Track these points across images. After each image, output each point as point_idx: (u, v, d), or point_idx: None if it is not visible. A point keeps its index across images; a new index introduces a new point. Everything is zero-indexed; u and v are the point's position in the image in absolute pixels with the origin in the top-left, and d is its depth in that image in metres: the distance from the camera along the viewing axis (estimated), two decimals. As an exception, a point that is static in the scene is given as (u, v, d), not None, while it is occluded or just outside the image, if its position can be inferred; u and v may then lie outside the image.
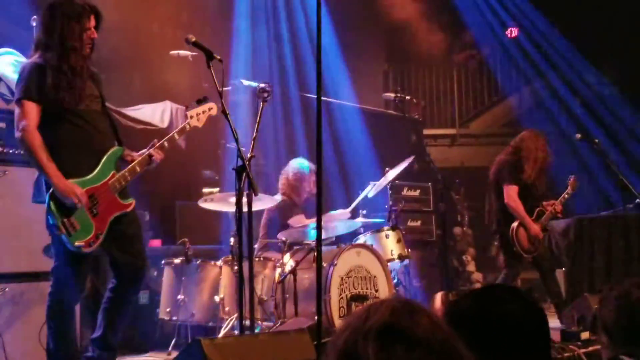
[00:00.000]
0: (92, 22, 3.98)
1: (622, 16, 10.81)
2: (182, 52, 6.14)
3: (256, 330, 4.87)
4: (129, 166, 4.05)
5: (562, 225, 6.80)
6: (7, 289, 4.49)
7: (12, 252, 4.53)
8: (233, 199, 4.24)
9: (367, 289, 5.42)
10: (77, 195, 3.77)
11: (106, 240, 3.92)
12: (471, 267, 9.65)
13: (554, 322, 5.89)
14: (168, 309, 5.52)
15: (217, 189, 7.18)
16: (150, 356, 5.65)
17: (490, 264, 9.74)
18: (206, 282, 5.55)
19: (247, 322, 4.28)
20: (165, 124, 6.85)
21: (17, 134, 3.85)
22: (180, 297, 5.45)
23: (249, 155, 4.13)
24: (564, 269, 6.76)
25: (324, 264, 5.11)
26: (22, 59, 4.72)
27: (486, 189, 6.76)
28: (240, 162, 3.98)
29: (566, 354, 4.40)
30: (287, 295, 5.25)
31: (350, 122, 8.78)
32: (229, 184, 6.69)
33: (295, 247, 5.64)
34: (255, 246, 5.88)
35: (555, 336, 4.86)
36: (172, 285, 5.58)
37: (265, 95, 4.51)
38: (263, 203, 5.42)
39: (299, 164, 6.28)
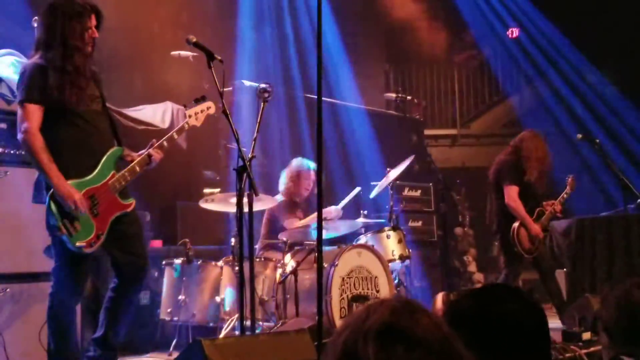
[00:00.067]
0: (93, 22, 3.98)
1: (623, 16, 10.80)
2: (183, 53, 6.15)
3: (257, 331, 4.87)
4: (129, 166, 4.05)
5: (563, 225, 6.80)
6: (7, 289, 4.48)
7: (12, 252, 4.53)
8: (234, 200, 4.24)
9: (368, 289, 5.42)
10: (75, 202, 3.76)
11: (107, 240, 3.92)
12: (472, 267, 9.64)
13: (555, 323, 5.88)
14: (169, 310, 5.52)
15: (218, 190, 7.18)
16: (151, 357, 5.64)
17: (492, 265, 9.73)
18: (207, 282, 5.55)
19: (248, 323, 4.27)
20: (166, 125, 6.85)
21: (19, 136, 3.85)
22: (181, 297, 5.45)
23: (249, 156, 4.13)
24: (565, 269, 6.76)
25: (325, 265, 5.11)
26: (23, 60, 4.71)
27: (487, 189, 6.77)
28: (241, 163, 3.99)
29: (567, 355, 4.39)
30: (288, 296, 5.25)
31: (351, 122, 8.78)
32: (230, 185, 6.70)
33: (296, 248, 5.65)
34: (256, 246, 5.88)
35: (557, 337, 4.85)
36: (173, 285, 5.58)
37: (266, 95, 4.50)
38: (264, 203, 5.42)
39: (298, 162, 6.28)
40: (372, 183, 6.76)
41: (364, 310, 1.28)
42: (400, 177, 6.72)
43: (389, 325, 1.23)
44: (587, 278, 6.55)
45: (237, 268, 5.01)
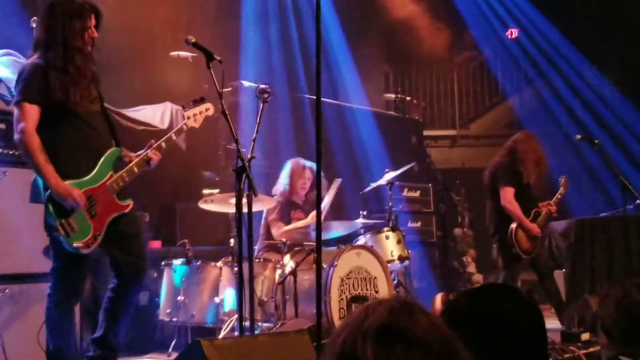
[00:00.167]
0: (93, 21, 3.98)
1: (622, 16, 10.80)
2: (182, 53, 6.14)
3: (256, 332, 4.86)
4: (127, 167, 4.04)
5: (562, 226, 6.80)
6: (6, 290, 4.48)
7: (11, 253, 4.53)
8: (233, 200, 4.23)
9: (367, 290, 5.42)
10: (74, 198, 3.76)
11: (106, 240, 3.92)
12: (472, 268, 9.64)
13: (554, 323, 5.88)
14: (168, 310, 5.52)
15: (217, 190, 7.17)
16: (150, 357, 5.64)
17: (491, 265, 9.73)
18: (206, 283, 5.55)
19: (247, 324, 4.27)
20: (165, 125, 6.84)
21: (16, 136, 3.85)
22: (180, 298, 5.45)
23: (249, 156, 4.13)
24: (564, 270, 6.76)
25: (324, 265, 5.10)
26: (22, 60, 4.71)
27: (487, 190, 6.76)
28: (240, 163, 3.98)
29: (566, 355, 4.39)
30: (287, 297, 5.25)
31: (356, 123, 8.77)
32: (229, 185, 6.69)
33: (296, 248, 5.64)
34: (256, 247, 5.87)
35: (556, 337, 4.85)
36: (172, 286, 5.58)
37: (266, 96, 4.51)
38: (263, 204, 5.42)
39: (292, 162, 6.28)
40: (371, 184, 6.75)
41: (362, 310, 1.27)
42: (399, 178, 6.72)
43: (388, 325, 1.23)
44: (586, 279, 6.55)
45: (236, 269, 5.00)
